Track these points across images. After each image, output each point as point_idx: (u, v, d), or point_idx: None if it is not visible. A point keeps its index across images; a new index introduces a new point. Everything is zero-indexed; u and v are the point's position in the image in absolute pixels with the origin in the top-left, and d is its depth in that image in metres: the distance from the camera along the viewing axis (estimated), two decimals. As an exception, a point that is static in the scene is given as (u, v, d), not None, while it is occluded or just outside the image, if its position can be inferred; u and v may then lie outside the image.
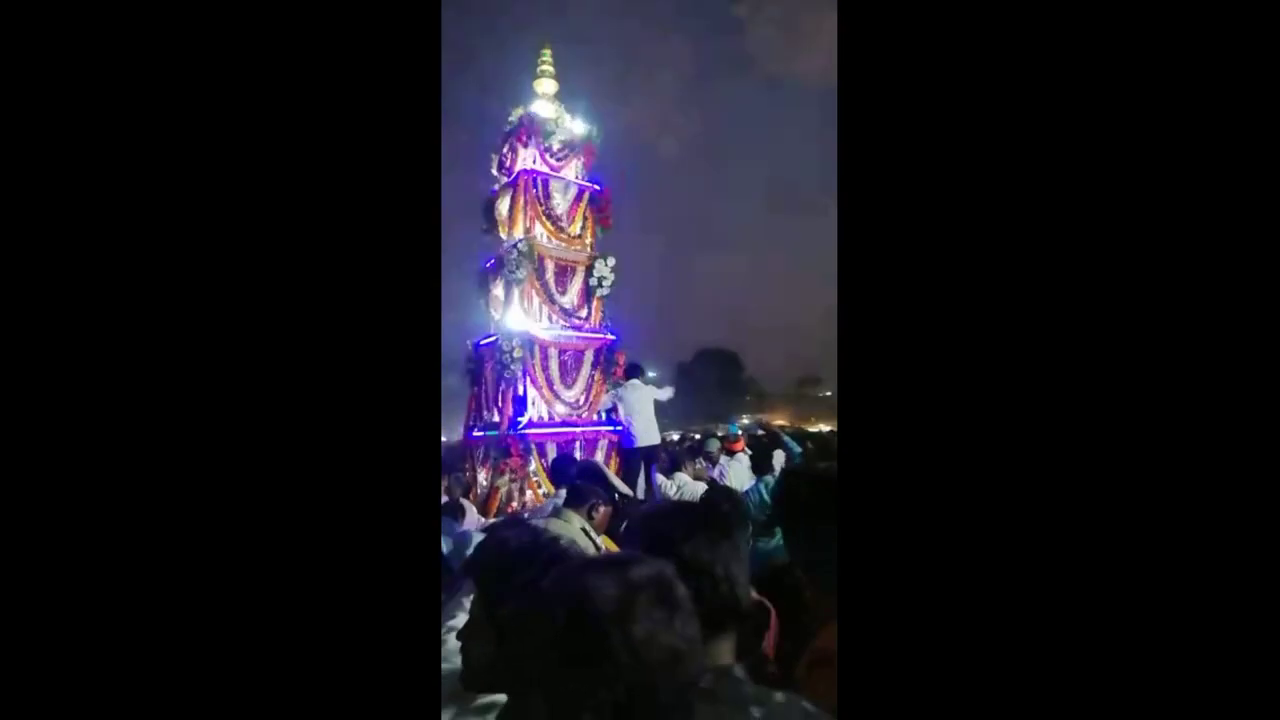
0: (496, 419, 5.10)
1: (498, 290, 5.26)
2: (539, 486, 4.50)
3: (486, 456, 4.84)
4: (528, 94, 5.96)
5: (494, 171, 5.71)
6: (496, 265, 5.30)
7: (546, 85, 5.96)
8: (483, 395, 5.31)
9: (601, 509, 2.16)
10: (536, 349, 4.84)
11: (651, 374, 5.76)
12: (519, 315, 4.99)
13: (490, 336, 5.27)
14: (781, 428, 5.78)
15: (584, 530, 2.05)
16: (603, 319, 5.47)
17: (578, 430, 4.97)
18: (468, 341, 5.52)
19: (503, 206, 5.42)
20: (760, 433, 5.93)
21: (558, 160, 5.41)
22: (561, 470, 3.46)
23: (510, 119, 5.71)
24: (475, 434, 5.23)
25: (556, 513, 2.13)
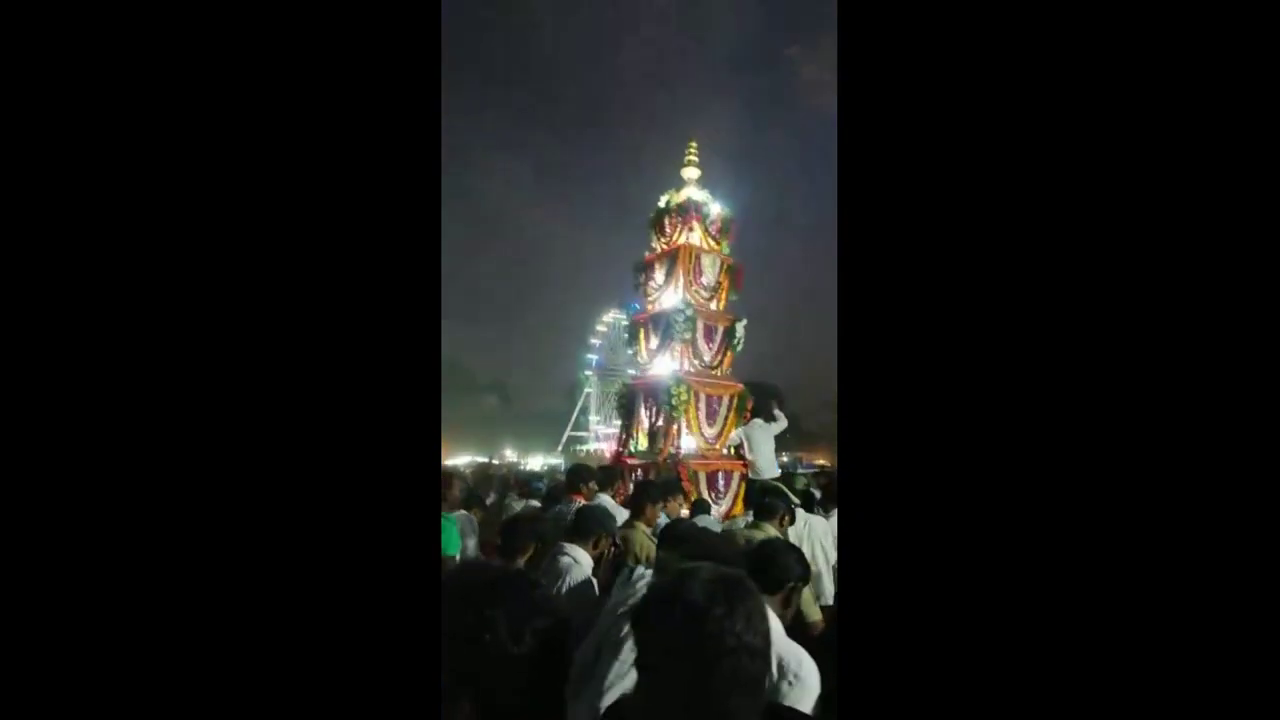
0: (643, 446, 6.26)
1: (654, 342, 6.45)
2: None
3: (645, 476, 5.96)
4: (675, 179, 7.25)
5: (653, 242, 6.99)
6: (654, 321, 6.51)
7: (691, 172, 7.23)
8: (633, 425, 6.47)
9: (787, 518, 3.22)
10: (692, 393, 5.98)
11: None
12: (677, 365, 6.18)
13: (643, 378, 6.46)
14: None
15: (779, 535, 3.04)
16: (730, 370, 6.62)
17: (716, 462, 6.04)
18: (623, 381, 6.73)
19: (660, 273, 6.64)
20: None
21: (712, 239, 6.65)
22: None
23: (664, 201, 6.99)
24: (628, 458, 6.37)
25: (755, 524, 3.18)
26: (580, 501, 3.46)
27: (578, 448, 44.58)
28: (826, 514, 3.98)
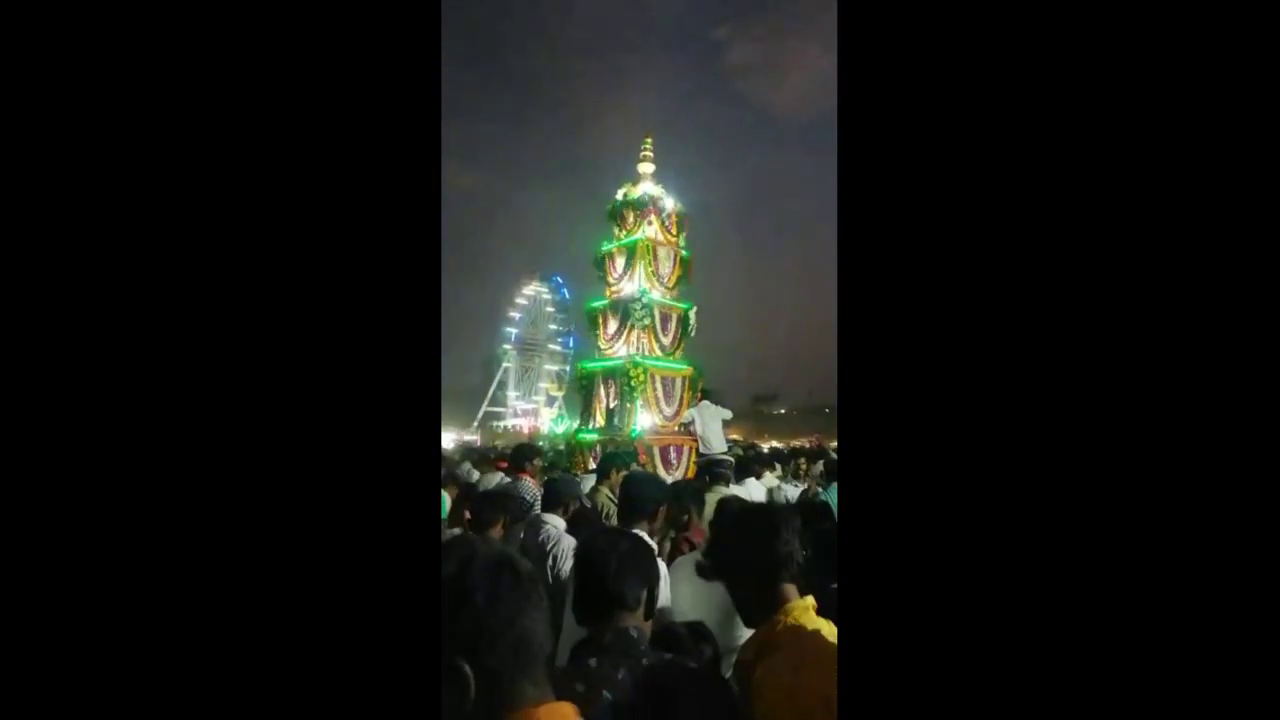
0: (601, 423, 6.79)
1: (612, 327, 6.95)
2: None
3: (604, 449, 6.51)
4: (630, 171, 7.69)
5: (616, 232, 7.41)
6: (614, 308, 6.99)
7: (646, 167, 7.69)
8: (593, 405, 6.97)
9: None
10: (648, 376, 6.56)
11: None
12: (636, 350, 6.73)
13: (601, 361, 6.96)
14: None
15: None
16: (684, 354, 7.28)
17: (670, 437, 6.71)
18: (578, 364, 7.19)
19: (619, 263, 7.11)
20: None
21: (668, 232, 7.19)
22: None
23: (621, 194, 7.42)
24: (585, 435, 6.87)
25: (708, 487, 3.87)
26: (527, 479, 3.70)
27: (495, 424, 43.95)
28: (739, 481, 4.30)
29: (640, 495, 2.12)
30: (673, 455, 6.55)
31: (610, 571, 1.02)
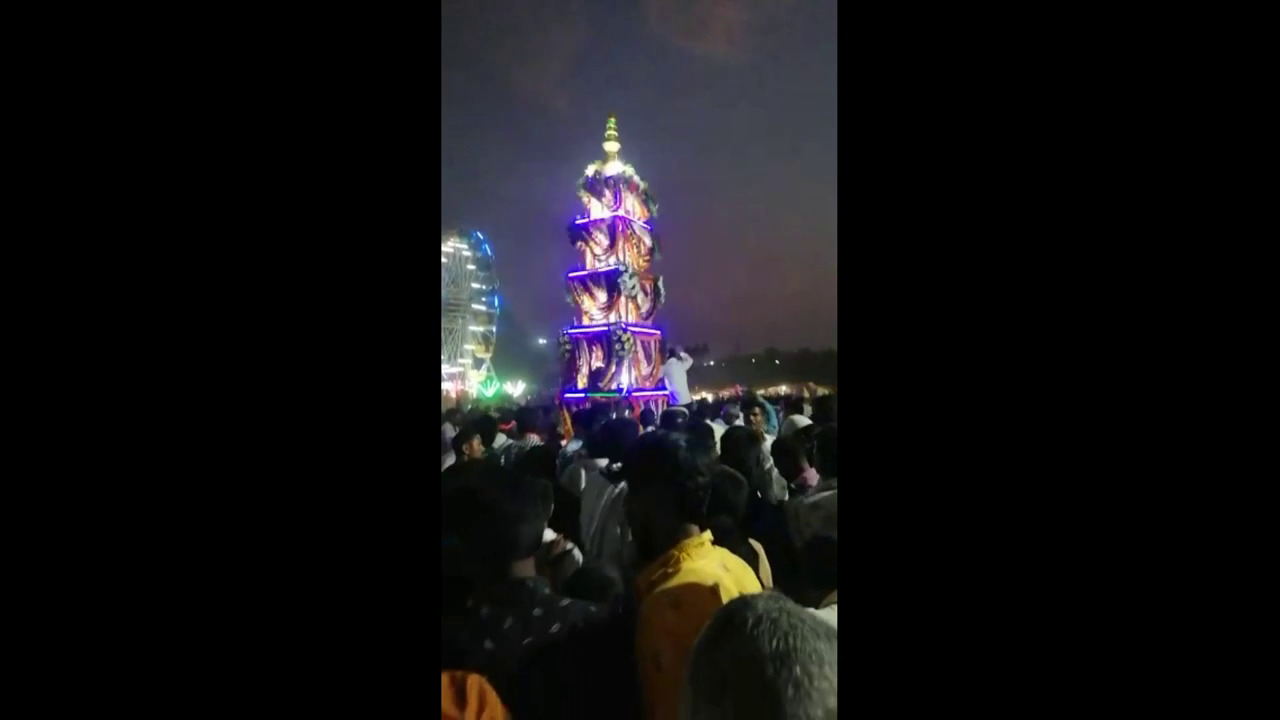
0: (583, 385, 7.63)
1: (599, 298, 7.69)
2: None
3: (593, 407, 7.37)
4: (595, 149, 8.28)
5: (587, 206, 8.04)
6: (594, 279, 7.70)
7: (612, 146, 8.30)
8: (576, 367, 7.77)
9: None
10: (634, 340, 7.43)
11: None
12: (620, 316, 7.54)
13: (581, 327, 7.73)
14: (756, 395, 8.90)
15: None
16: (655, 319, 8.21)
17: (648, 393, 7.67)
18: (562, 329, 7.94)
19: (600, 236, 7.80)
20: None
21: (641, 207, 7.94)
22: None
23: (592, 171, 8.03)
24: (567, 394, 7.67)
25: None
26: (534, 438, 3.83)
27: (418, 388, 42.39)
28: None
29: (621, 439, 2.32)
30: (652, 408, 7.54)
31: (500, 520, 0.99)
